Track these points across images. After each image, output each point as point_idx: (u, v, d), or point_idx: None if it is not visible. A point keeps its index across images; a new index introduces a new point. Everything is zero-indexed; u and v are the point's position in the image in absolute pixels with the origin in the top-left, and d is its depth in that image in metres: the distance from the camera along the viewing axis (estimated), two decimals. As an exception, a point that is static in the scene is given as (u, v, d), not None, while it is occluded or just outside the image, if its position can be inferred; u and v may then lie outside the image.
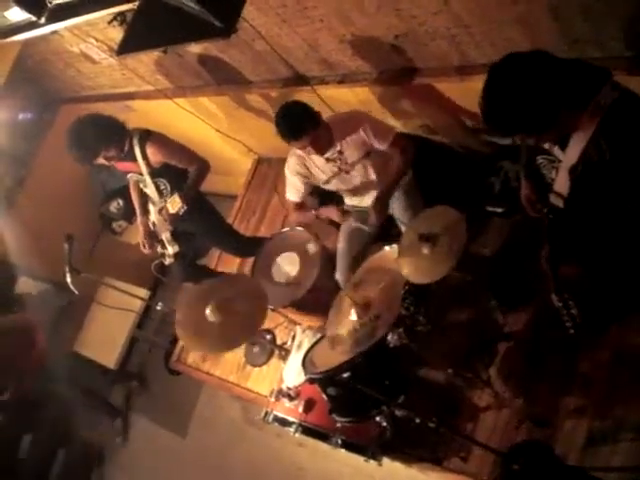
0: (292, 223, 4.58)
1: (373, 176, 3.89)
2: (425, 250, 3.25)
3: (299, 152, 3.83)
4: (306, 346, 3.96)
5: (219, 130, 5.44)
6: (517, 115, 2.25)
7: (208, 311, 3.32)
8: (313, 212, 4.07)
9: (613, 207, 2.45)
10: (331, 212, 4.01)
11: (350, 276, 3.89)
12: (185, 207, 3.97)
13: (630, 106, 2.26)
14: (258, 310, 3.44)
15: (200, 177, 4.20)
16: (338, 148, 3.74)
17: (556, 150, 2.52)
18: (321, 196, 4.36)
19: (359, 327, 3.31)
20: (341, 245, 4.12)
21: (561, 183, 2.55)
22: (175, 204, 3.96)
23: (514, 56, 2.27)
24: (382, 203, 3.74)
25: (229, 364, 5.15)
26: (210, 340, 3.39)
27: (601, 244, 2.63)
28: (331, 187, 3.98)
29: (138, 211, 4.67)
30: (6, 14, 3.90)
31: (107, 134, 4.06)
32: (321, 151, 3.69)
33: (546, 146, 2.57)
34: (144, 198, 4.60)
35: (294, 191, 4.01)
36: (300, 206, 4.10)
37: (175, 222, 4.19)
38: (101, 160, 4.13)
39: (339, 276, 4.07)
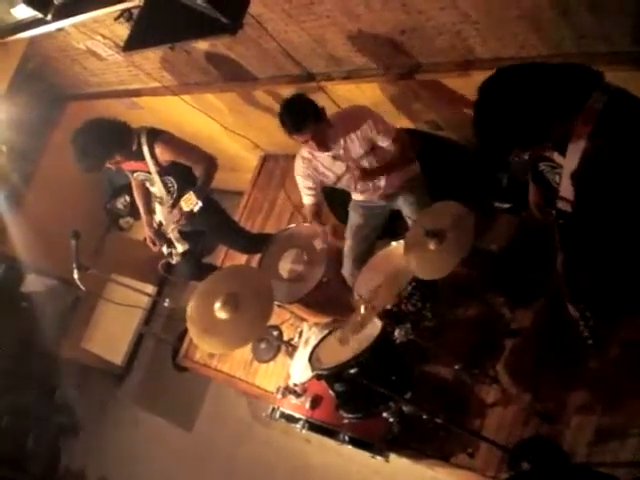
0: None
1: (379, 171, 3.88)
2: (432, 246, 3.24)
3: (305, 154, 3.83)
4: (313, 342, 3.96)
5: (226, 127, 5.44)
6: (510, 132, 2.28)
7: (216, 308, 3.31)
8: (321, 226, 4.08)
9: (619, 208, 2.44)
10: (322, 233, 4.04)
11: (356, 271, 3.90)
12: (200, 204, 3.97)
13: (622, 107, 2.27)
14: (265, 303, 3.41)
15: (210, 175, 4.19)
16: (343, 144, 3.73)
17: (556, 156, 2.52)
18: (330, 193, 4.36)
19: (362, 320, 3.30)
20: (348, 241, 4.12)
21: (566, 189, 2.54)
22: (190, 201, 3.97)
23: (503, 72, 2.29)
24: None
25: (236, 360, 5.16)
26: (220, 338, 3.38)
27: (611, 245, 2.62)
28: (342, 185, 3.97)
29: (142, 211, 4.67)
30: (12, 11, 3.91)
31: (110, 142, 4.05)
32: (324, 146, 3.67)
33: (546, 153, 2.57)
34: (148, 197, 4.60)
35: (308, 193, 3.98)
36: (315, 209, 4.05)
37: (189, 220, 4.18)
38: (108, 166, 4.13)
39: (346, 272, 4.08)
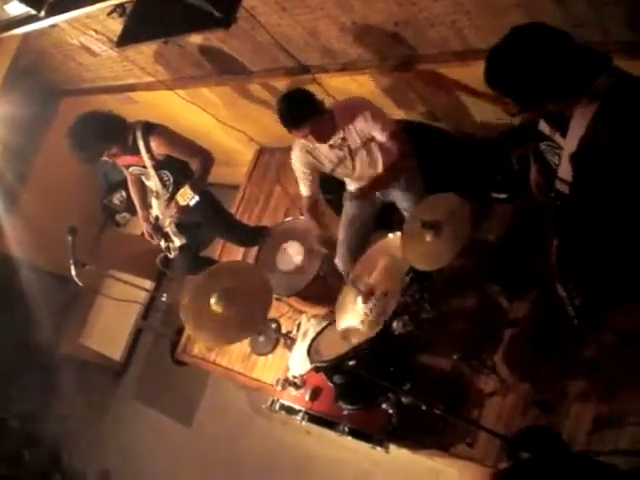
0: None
1: (377, 161, 3.87)
2: (428, 237, 3.24)
3: (303, 140, 3.82)
4: (311, 335, 3.97)
5: (220, 120, 5.43)
6: (510, 77, 2.27)
7: (212, 302, 3.31)
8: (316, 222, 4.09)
9: (616, 191, 2.45)
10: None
11: (350, 262, 3.91)
12: (196, 198, 3.97)
13: (627, 91, 2.26)
14: (262, 301, 3.41)
15: (206, 169, 4.18)
16: (341, 135, 3.71)
17: (557, 137, 2.52)
18: (324, 184, 4.35)
19: (370, 312, 3.30)
20: (341, 232, 4.11)
21: (564, 170, 2.55)
22: (186, 195, 3.96)
23: (542, 27, 2.26)
24: (375, 182, 3.76)
25: (235, 354, 5.17)
26: (216, 332, 3.38)
27: (605, 230, 2.62)
28: (337, 174, 3.97)
29: (138, 206, 4.66)
30: (5, 7, 3.89)
31: (107, 134, 4.03)
32: (322, 139, 3.66)
33: (547, 132, 2.58)
34: (144, 192, 4.60)
35: (305, 183, 3.96)
36: (313, 201, 4.05)
37: (185, 214, 4.18)
38: (105, 158, 4.12)
39: (338, 262, 4.07)
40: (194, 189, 3.98)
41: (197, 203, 4.03)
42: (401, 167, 3.80)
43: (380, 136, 3.70)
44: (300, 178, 3.97)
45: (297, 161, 3.91)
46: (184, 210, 4.10)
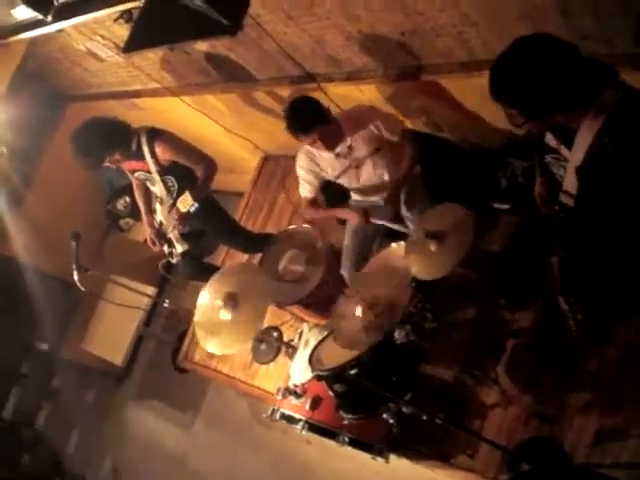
0: (305, 219, 4.62)
1: (382, 172, 3.88)
2: (432, 247, 3.24)
3: (309, 148, 3.83)
4: (313, 343, 3.96)
5: (226, 128, 5.44)
6: (516, 89, 2.26)
7: (219, 309, 3.31)
8: (332, 212, 4.09)
9: (620, 205, 2.44)
10: (350, 215, 3.98)
11: (353, 272, 3.91)
12: (196, 205, 3.98)
13: (634, 105, 2.26)
14: (262, 295, 3.41)
15: (209, 176, 4.20)
16: (348, 143, 3.75)
17: (563, 149, 2.52)
18: (329, 192, 4.36)
19: (369, 325, 3.29)
20: (347, 241, 4.12)
21: (570, 182, 2.55)
22: (186, 202, 3.97)
23: (548, 38, 2.25)
24: (394, 196, 3.75)
25: (236, 361, 5.15)
26: (225, 337, 3.38)
27: (610, 243, 2.62)
28: (342, 182, 3.99)
29: (143, 211, 4.67)
30: (13, 12, 3.91)
31: (111, 140, 4.06)
32: (330, 147, 3.70)
33: (553, 145, 2.57)
34: (149, 197, 4.61)
35: (307, 187, 4.01)
36: (314, 202, 4.09)
37: (185, 221, 4.19)
38: (107, 164, 4.14)
39: (344, 272, 4.08)
40: (194, 196, 4.00)
41: (197, 210, 4.04)
42: (407, 173, 3.82)
43: (393, 138, 3.73)
44: (302, 181, 4.02)
45: (301, 166, 3.96)
46: (184, 217, 4.12)
